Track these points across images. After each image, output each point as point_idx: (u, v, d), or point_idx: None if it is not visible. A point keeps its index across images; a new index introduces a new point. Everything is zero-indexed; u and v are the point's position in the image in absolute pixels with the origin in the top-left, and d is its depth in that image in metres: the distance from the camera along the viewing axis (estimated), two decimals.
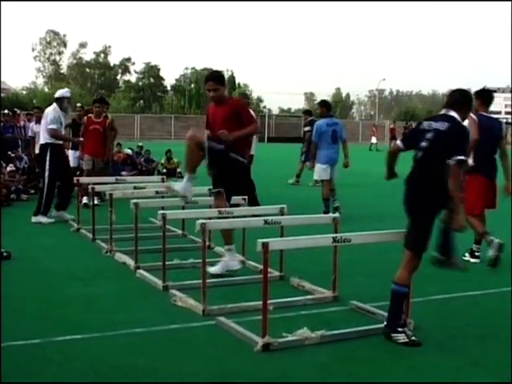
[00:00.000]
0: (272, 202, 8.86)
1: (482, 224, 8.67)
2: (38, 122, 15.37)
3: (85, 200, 12.77)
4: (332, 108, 14.58)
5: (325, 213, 10.54)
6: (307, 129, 17.95)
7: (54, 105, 11.62)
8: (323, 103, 13.45)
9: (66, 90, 12.36)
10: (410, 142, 5.96)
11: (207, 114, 8.11)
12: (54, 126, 11.40)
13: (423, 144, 5.69)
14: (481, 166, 8.55)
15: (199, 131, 7.91)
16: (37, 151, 14.86)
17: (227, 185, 7.67)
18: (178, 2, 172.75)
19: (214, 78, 7.80)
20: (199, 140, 7.54)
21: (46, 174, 11.48)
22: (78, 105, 17.61)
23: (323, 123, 12.49)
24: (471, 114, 8.36)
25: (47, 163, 11.47)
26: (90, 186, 10.18)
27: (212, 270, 7.37)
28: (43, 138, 11.61)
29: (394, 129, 50.92)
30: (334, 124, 12.62)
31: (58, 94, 11.93)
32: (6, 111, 20.22)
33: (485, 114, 8.90)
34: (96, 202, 12.08)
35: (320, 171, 12.50)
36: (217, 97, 7.71)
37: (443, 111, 5.87)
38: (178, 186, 7.86)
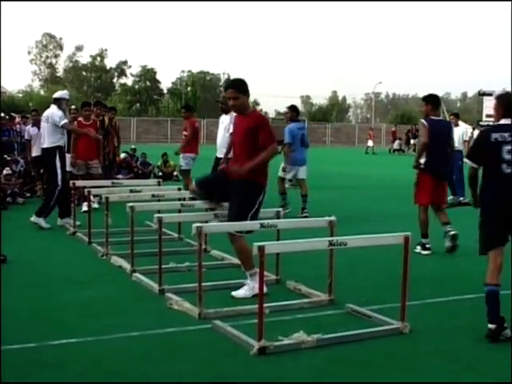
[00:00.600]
0: (269, 205, 8.84)
1: (444, 214, 9.87)
2: (35, 125, 15.39)
3: (85, 207, 12.19)
4: (300, 113, 15.44)
5: (282, 207, 11.07)
6: None
7: (54, 106, 11.55)
8: (293, 108, 14.18)
9: (66, 91, 12.41)
10: (482, 158, 6.08)
11: (234, 124, 7.63)
12: (66, 120, 11.49)
13: (508, 157, 5.88)
14: (430, 168, 9.56)
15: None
16: (34, 154, 14.85)
17: (233, 210, 6.97)
18: (174, 5, 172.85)
19: (235, 85, 7.15)
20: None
21: (59, 177, 11.33)
22: (73, 107, 17.51)
23: (295, 127, 13.53)
24: (422, 120, 9.84)
25: (58, 167, 11.30)
26: (86, 190, 10.14)
27: (236, 293, 6.91)
28: (49, 142, 11.37)
29: (396, 132, 50.95)
30: (302, 128, 14.03)
31: (58, 94, 11.90)
32: (2, 114, 20.22)
33: (434, 117, 9.80)
34: (96, 205, 12.06)
35: (292, 172, 13.46)
36: (237, 106, 7.11)
37: (509, 121, 6.09)
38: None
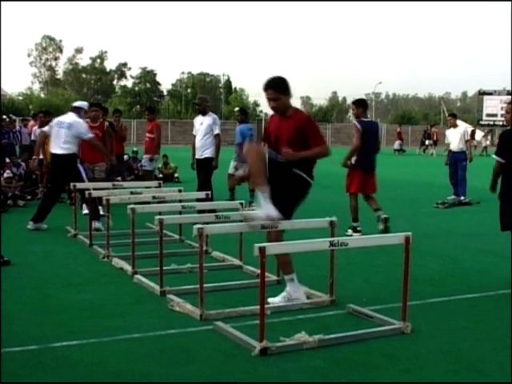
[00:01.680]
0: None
1: (375, 202, 11.12)
2: (43, 126, 15.50)
3: (86, 210, 12.26)
4: (248, 115, 17.00)
5: (250, 203, 12.32)
6: None
7: (73, 114, 11.57)
8: (242, 111, 15.75)
9: (86, 103, 12.50)
10: (508, 154, 7.40)
11: (268, 127, 7.00)
12: (92, 135, 11.67)
13: None
14: (360, 164, 10.91)
15: (259, 147, 6.79)
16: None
17: (280, 203, 6.38)
18: (173, 6, 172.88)
19: (275, 85, 6.59)
20: (263, 155, 6.56)
21: (85, 179, 11.48)
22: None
23: (245, 128, 14.64)
24: (355, 122, 11.29)
25: (81, 171, 11.48)
26: (87, 192, 10.14)
27: (272, 300, 6.49)
28: (68, 149, 11.31)
29: (401, 132, 50.73)
30: (251, 129, 14.98)
31: (78, 104, 12.01)
32: (4, 117, 20.27)
33: (365, 119, 11.25)
34: (86, 211, 12.00)
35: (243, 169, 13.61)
36: (278, 107, 6.62)
37: None
38: (259, 212, 6.38)
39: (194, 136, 12.71)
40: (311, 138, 6.52)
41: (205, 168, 12.39)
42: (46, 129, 11.87)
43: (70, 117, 11.55)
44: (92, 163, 12.74)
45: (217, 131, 12.37)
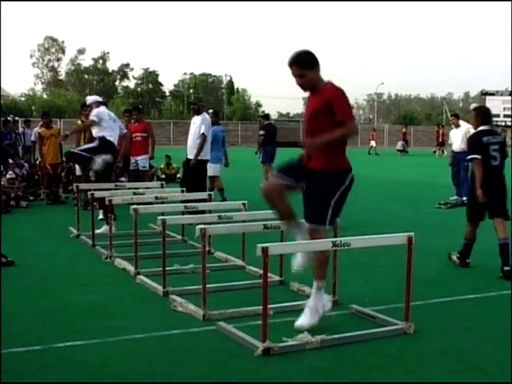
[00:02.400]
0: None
1: None
2: (47, 127, 15.63)
3: (101, 215, 11.94)
4: (219, 117, 17.38)
5: (223, 200, 12.48)
6: (262, 132, 19.25)
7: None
8: (216, 113, 15.92)
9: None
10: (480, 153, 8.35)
11: (306, 106, 6.38)
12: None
13: (495, 154, 8.39)
14: None
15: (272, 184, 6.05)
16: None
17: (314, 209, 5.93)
18: (175, 7, 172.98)
19: (299, 60, 5.92)
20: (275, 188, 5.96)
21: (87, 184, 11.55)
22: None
23: (218, 129, 15.00)
24: None
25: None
26: (90, 193, 10.15)
27: (299, 323, 5.82)
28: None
29: (406, 133, 50.40)
30: (223, 131, 15.72)
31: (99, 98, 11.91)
32: (9, 118, 20.33)
33: None
34: (102, 216, 11.94)
35: (214, 169, 14.49)
36: (305, 84, 5.98)
37: (488, 127, 8.59)
38: (298, 260, 6.08)
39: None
40: (337, 111, 5.75)
41: (195, 169, 12.37)
42: (95, 118, 11.23)
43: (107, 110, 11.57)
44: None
45: (202, 130, 12.30)
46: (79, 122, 14.28)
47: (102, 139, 10.91)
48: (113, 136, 11.13)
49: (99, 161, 10.68)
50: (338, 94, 5.86)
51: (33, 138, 18.74)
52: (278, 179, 5.98)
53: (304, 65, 5.89)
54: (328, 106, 5.78)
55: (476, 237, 8.60)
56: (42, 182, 16.25)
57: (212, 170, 14.28)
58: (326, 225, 5.86)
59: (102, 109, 11.28)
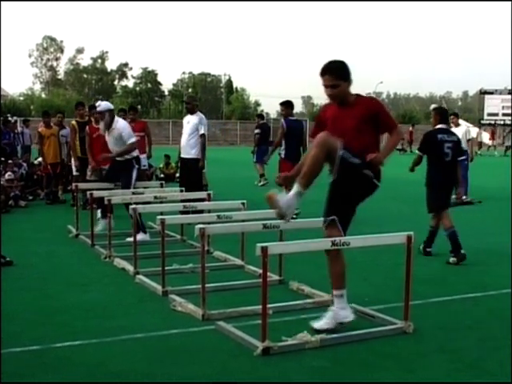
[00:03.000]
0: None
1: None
2: (47, 127, 15.57)
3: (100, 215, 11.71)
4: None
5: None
6: (257, 131, 20.21)
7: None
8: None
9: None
10: (429, 150, 9.31)
11: (321, 117, 6.20)
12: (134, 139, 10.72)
13: (448, 151, 9.25)
14: (289, 156, 12.54)
15: (332, 137, 5.68)
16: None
17: (346, 209, 6.00)
18: (174, 6, 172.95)
19: (333, 70, 5.81)
20: (333, 148, 5.61)
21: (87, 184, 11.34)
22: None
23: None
24: (282, 120, 13.21)
25: (133, 179, 10.49)
26: (88, 193, 10.12)
27: (317, 325, 5.80)
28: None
29: (413, 132, 49.88)
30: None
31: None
32: (10, 118, 20.36)
33: (291, 118, 13.24)
34: (99, 215, 11.91)
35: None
36: (336, 95, 5.87)
37: (445, 126, 9.51)
38: (282, 199, 5.67)
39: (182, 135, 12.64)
40: (384, 122, 5.90)
41: (190, 169, 12.32)
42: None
43: (120, 121, 10.81)
44: (102, 165, 12.33)
45: (202, 131, 12.15)
46: (73, 122, 14.19)
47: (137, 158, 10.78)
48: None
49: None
50: (382, 106, 6.04)
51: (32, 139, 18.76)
52: (336, 143, 5.62)
53: (338, 75, 5.80)
54: (373, 117, 5.80)
55: (438, 226, 9.39)
56: (41, 181, 16.25)
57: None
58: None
59: (125, 122, 10.98)
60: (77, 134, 13.89)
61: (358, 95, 5.98)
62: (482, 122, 62.30)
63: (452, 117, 17.62)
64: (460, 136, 16.20)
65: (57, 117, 16.59)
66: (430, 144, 9.36)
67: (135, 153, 10.59)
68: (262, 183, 19.60)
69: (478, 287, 7.52)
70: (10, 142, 18.99)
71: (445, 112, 10.01)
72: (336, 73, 5.78)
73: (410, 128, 51.66)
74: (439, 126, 9.49)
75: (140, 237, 9.25)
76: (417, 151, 9.63)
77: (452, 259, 8.87)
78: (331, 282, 5.94)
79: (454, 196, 15.98)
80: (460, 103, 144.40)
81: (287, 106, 13.26)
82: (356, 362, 5.14)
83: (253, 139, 22.70)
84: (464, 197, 15.99)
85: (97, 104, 11.06)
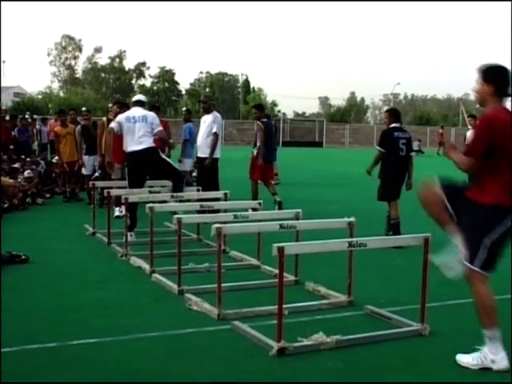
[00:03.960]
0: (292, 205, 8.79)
1: (272, 187, 13.90)
2: (64, 125, 15.60)
3: (117, 213, 12.01)
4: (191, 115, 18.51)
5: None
6: None
7: (141, 108, 10.76)
8: (189, 111, 17.52)
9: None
10: (387, 147, 10.34)
11: (496, 134, 4.99)
12: (161, 127, 10.89)
13: (403, 146, 10.37)
14: (263, 155, 13.44)
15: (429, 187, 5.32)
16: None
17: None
18: (192, 6, 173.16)
19: (482, 71, 5.21)
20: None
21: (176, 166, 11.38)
22: (84, 109, 17.20)
23: (193, 126, 15.89)
24: (258, 122, 14.01)
25: (169, 160, 10.94)
26: (105, 191, 10.13)
27: (462, 358, 5.16)
28: (151, 142, 10.48)
29: (443, 134, 48.47)
30: (195, 128, 15.85)
31: (140, 97, 11.27)
32: (26, 116, 20.42)
33: (264, 120, 14.01)
34: (117, 213, 11.90)
35: (191, 163, 15.69)
36: (477, 100, 5.41)
37: (398, 125, 10.62)
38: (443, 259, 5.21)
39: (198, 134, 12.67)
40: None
41: (207, 168, 12.28)
42: (113, 125, 10.67)
43: (143, 110, 10.73)
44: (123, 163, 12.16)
45: (214, 129, 12.15)
46: (104, 118, 14.05)
47: (128, 155, 10.53)
48: (129, 140, 10.39)
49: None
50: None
51: (52, 136, 18.72)
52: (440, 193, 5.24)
53: (483, 77, 5.20)
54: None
55: (399, 214, 10.43)
56: (59, 179, 16.31)
57: (188, 165, 15.42)
58: (475, 266, 5.10)
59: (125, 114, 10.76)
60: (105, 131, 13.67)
61: (491, 107, 5.25)
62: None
63: (469, 118, 17.56)
64: None
65: (70, 114, 16.57)
66: (387, 141, 10.42)
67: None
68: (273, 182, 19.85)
69: (494, 290, 7.44)
70: (28, 139, 19.07)
71: (397, 113, 11.08)
72: (483, 74, 5.24)
73: (440, 130, 50.61)
74: (393, 125, 10.57)
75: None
76: (377, 148, 10.58)
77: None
78: (480, 317, 5.16)
79: None
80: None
81: (259, 108, 14.45)
82: (371, 364, 5.12)
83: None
84: None
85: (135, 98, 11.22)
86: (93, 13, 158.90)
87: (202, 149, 12.35)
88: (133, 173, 10.33)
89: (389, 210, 10.60)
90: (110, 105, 15.92)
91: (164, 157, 10.92)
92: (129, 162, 10.55)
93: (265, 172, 13.77)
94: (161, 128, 10.72)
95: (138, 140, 10.29)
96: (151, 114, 10.74)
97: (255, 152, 13.70)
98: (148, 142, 10.35)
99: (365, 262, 7.81)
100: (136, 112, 10.57)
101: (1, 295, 6.65)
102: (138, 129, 10.31)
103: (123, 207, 10.32)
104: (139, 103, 10.84)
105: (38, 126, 22.45)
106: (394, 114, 10.95)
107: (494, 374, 4.98)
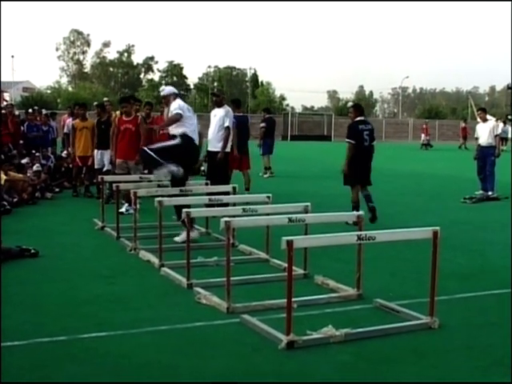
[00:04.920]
0: (298, 198, 8.77)
1: (248, 178, 15.36)
2: (77, 118, 15.54)
3: (123, 208, 11.84)
4: None
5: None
6: (263, 125, 21.57)
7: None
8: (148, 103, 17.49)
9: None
10: (355, 137, 11.46)
11: None
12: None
13: (366, 137, 11.51)
14: (237, 147, 13.79)
15: None
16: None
17: None
18: (201, 0, 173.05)
19: None
20: None
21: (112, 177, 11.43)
22: (106, 99, 16.82)
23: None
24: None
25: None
26: (114, 185, 10.14)
27: None
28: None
29: (466, 128, 48.09)
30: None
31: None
32: (30, 110, 20.36)
33: (238, 114, 14.77)
34: (124, 209, 11.85)
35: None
36: None
37: (362, 118, 11.76)
38: None
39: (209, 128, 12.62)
40: None
41: (218, 162, 12.23)
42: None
43: (225, 109, 11.93)
44: (126, 159, 12.47)
45: (227, 123, 12.16)
46: (118, 112, 13.94)
47: (184, 136, 9.82)
48: (194, 132, 10.02)
49: (164, 172, 9.61)
50: None
51: (66, 130, 18.53)
52: None
53: None
54: None
55: (359, 200, 11.45)
56: (69, 173, 16.22)
57: None
58: None
59: (182, 102, 10.16)
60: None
61: None
62: (510, 117, 61.73)
63: (479, 112, 17.52)
64: (487, 131, 16.17)
65: (75, 109, 16.37)
66: (354, 133, 11.55)
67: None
68: (267, 175, 20.79)
69: (504, 284, 7.44)
70: (39, 135, 19.04)
71: (361, 107, 12.48)
72: None
73: (463, 124, 50.02)
74: (358, 119, 11.73)
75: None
76: (347, 140, 11.59)
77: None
78: None
79: (480, 191, 15.99)
80: (487, 98, 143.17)
81: (234, 104, 14.88)
82: (380, 357, 5.12)
83: (278, 133, 23.28)
84: (490, 192, 15.90)
85: (161, 89, 10.94)
86: (101, 7, 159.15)
87: (213, 142, 12.30)
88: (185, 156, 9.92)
89: (354, 201, 11.46)
90: (106, 98, 15.87)
91: None
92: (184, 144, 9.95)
93: (240, 162, 15.03)
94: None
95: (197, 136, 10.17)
96: (228, 110, 12.01)
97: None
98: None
99: (373, 256, 7.81)
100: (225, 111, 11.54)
101: (1, 289, 6.66)
102: (196, 123, 10.21)
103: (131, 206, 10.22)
104: (181, 96, 10.73)
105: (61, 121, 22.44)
106: (358, 109, 12.18)
107: (495, 371, 4.96)
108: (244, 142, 15.13)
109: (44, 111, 21.52)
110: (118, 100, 14.64)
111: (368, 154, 11.68)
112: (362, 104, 18.96)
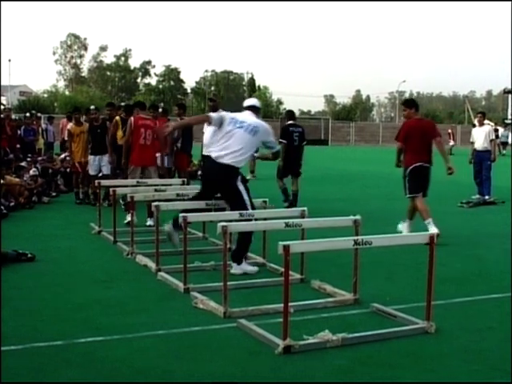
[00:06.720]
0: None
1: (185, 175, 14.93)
2: (78, 124, 15.20)
3: (149, 222, 11.23)
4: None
5: None
6: None
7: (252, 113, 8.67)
8: (165, 110, 17.59)
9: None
10: (285, 138, 14.12)
11: None
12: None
13: (296, 138, 14.16)
14: (184, 148, 14.63)
15: None
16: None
17: None
18: (197, 5, 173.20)
19: None
20: None
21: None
22: (92, 107, 16.58)
23: None
24: (178, 119, 14.47)
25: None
26: (111, 189, 10.14)
27: None
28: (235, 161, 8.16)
29: (450, 133, 48.71)
30: None
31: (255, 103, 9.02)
32: (28, 114, 20.38)
33: (184, 117, 15.00)
34: (150, 222, 11.22)
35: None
36: None
37: (293, 122, 14.50)
38: None
39: (203, 133, 12.49)
40: None
41: None
42: (213, 115, 8.70)
43: (260, 121, 8.70)
44: (144, 165, 11.91)
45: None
46: (118, 117, 13.82)
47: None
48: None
49: None
50: None
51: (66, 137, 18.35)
52: None
53: None
54: None
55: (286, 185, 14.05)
56: (59, 176, 16.20)
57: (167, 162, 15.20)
58: None
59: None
60: (119, 129, 13.52)
61: None
62: (506, 121, 61.91)
63: (479, 115, 17.51)
64: (483, 136, 16.20)
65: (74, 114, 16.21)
66: (286, 134, 14.13)
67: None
68: (248, 177, 20.45)
69: (501, 288, 7.46)
70: (36, 139, 19.05)
71: (292, 113, 15.48)
72: None
73: (449, 130, 50.55)
74: (290, 122, 14.52)
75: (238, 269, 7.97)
76: (280, 140, 13.65)
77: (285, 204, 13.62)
78: None
79: (476, 196, 16.01)
80: (484, 102, 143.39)
81: (180, 107, 15.72)
82: (377, 362, 5.12)
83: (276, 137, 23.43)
84: (487, 197, 15.93)
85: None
86: (98, 11, 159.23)
87: (208, 147, 12.28)
88: (202, 181, 9.11)
89: (293, 189, 14.18)
90: (92, 107, 15.63)
91: (240, 188, 8.16)
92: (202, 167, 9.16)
93: (180, 161, 15.00)
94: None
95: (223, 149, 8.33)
96: (263, 123, 8.73)
97: (179, 147, 14.81)
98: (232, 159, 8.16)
99: (370, 260, 7.81)
100: (246, 118, 8.50)
101: (1, 296, 6.65)
102: (238, 137, 8.25)
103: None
104: (254, 109, 8.78)
105: (44, 125, 22.48)
106: (290, 114, 15.23)
107: (492, 376, 4.97)
108: (190, 143, 15.17)
109: (39, 114, 21.52)
110: (117, 106, 14.58)
111: (298, 152, 14.29)
112: (359, 108, 19.09)
